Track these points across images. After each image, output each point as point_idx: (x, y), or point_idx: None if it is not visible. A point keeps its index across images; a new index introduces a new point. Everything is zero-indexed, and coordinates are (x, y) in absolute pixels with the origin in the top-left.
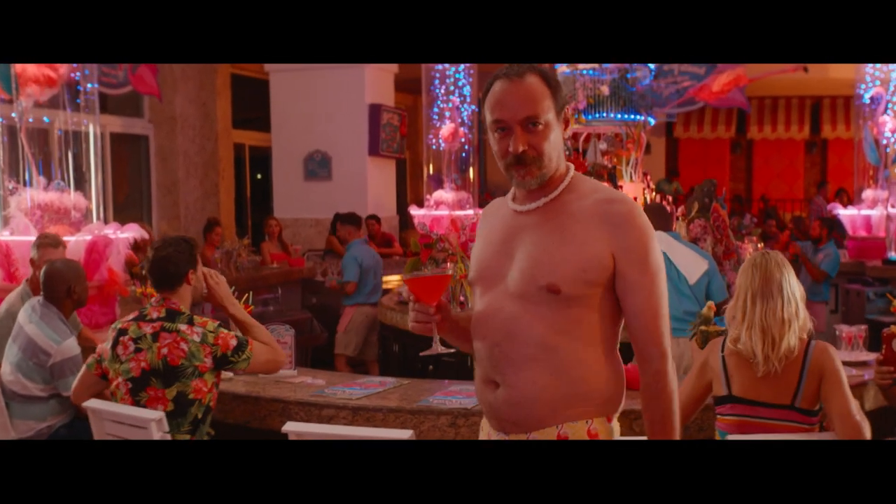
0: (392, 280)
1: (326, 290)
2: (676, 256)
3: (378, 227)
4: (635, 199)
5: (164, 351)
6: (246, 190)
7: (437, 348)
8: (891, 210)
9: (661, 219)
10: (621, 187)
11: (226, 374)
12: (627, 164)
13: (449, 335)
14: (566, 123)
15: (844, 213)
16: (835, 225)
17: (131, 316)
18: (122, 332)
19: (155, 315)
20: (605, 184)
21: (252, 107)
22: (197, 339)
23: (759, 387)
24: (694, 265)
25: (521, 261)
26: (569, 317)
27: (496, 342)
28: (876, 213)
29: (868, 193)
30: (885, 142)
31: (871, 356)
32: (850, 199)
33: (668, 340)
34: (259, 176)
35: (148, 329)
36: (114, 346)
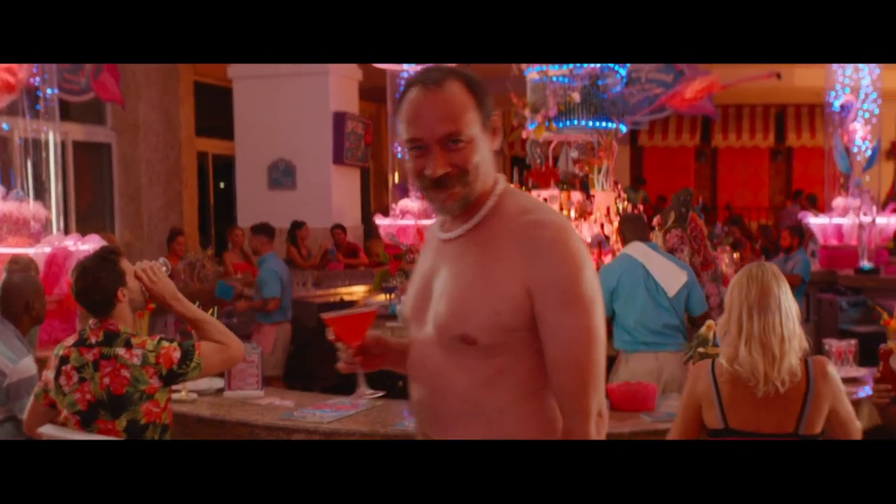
0: (358, 291)
1: (291, 303)
2: (654, 268)
3: (344, 236)
4: (608, 208)
5: (107, 381)
6: (209, 199)
7: (363, 392)
8: (863, 218)
9: (638, 229)
10: (593, 196)
11: (189, 395)
12: (599, 172)
13: (396, 366)
14: (494, 133)
15: (815, 221)
16: (804, 233)
17: (72, 340)
18: (64, 360)
19: (94, 339)
20: (580, 193)
21: (215, 115)
22: (137, 362)
23: (759, 416)
24: (672, 277)
25: (436, 305)
26: (492, 367)
27: (424, 394)
28: (847, 221)
29: (839, 202)
30: (855, 150)
31: (861, 372)
32: (818, 206)
33: (597, 395)
34: (223, 185)
35: (89, 356)
36: (57, 377)
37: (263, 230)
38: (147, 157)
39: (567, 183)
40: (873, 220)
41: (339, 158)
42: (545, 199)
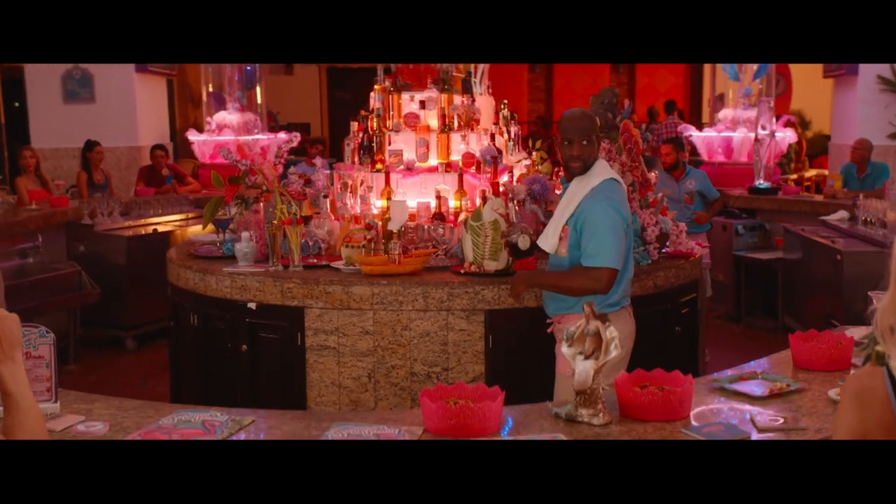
0: (171, 220)
1: (96, 236)
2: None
3: (165, 159)
4: (497, 116)
5: None
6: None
7: None
8: (760, 132)
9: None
10: (473, 100)
11: None
12: (474, 73)
13: None
14: None
15: (699, 135)
16: (683, 144)
17: None
18: None
19: None
20: (462, 96)
21: None
22: None
23: None
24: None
25: None
26: None
27: None
28: (738, 135)
29: (727, 113)
30: None
31: None
32: (683, 118)
33: None
34: (17, 104)
35: None
36: None
37: None
38: None
39: (447, 83)
40: (772, 134)
41: (142, 66)
42: (422, 103)
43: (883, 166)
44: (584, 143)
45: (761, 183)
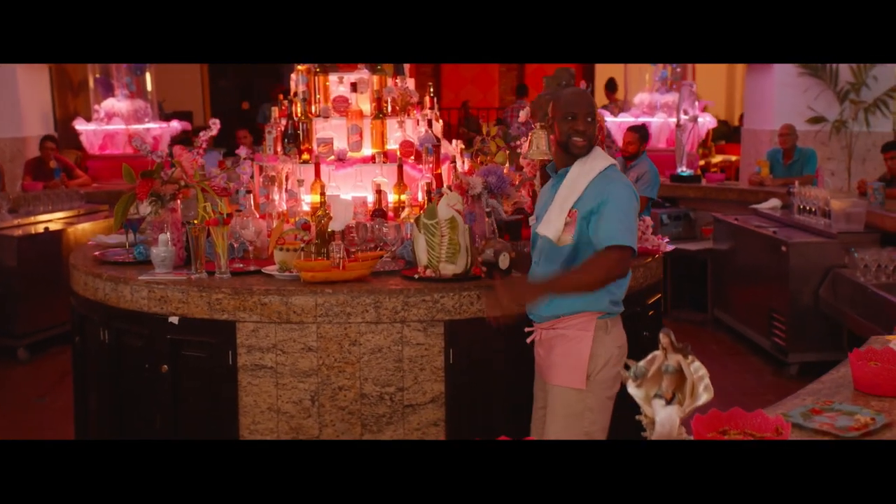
0: (58, 217)
1: None
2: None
3: (56, 151)
4: (431, 100)
5: None
6: None
7: None
8: (683, 118)
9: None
10: (407, 85)
11: None
12: None
13: None
14: None
15: (614, 120)
16: (648, 135)
17: None
18: None
19: None
20: (394, 78)
21: None
22: None
23: None
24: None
25: None
26: None
27: None
28: (657, 120)
29: (643, 97)
30: None
31: None
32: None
33: None
34: None
35: None
36: None
37: None
38: None
39: (379, 63)
40: (695, 119)
41: None
42: (353, 86)
43: (810, 152)
44: (590, 119)
45: (683, 170)
